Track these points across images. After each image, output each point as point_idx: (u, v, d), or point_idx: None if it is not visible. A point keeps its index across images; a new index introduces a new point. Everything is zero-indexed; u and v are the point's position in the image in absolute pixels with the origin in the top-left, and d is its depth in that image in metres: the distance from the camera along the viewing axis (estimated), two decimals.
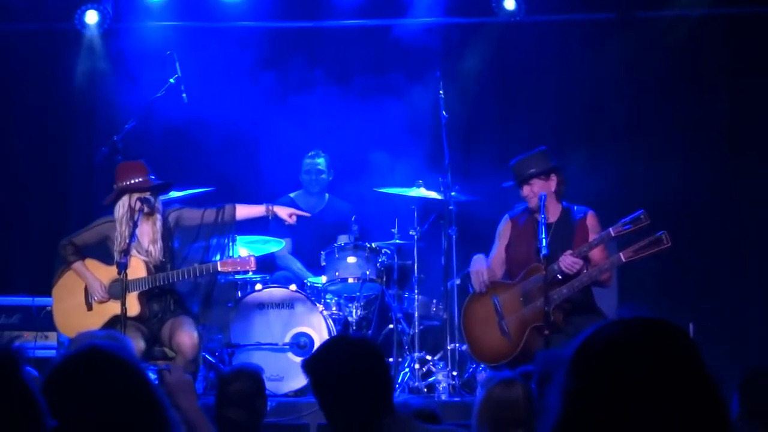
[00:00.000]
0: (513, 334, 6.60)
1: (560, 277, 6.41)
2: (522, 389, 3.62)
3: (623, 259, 6.30)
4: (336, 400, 3.21)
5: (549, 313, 6.20)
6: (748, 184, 8.77)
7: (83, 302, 6.73)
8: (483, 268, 6.79)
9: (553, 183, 6.74)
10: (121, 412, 1.73)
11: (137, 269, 6.56)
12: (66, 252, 6.74)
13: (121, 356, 1.81)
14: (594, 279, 6.45)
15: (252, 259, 6.67)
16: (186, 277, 6.66)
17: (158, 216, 6.71)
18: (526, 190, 6.72)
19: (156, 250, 6.68)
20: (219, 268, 6.64)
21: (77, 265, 6.72)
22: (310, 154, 8.37)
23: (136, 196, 6.56)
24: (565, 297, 6.40)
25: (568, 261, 6.36)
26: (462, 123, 8.78)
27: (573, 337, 1.72)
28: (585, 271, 6.43)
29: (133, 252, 6.59)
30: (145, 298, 6.63)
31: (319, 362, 3.30)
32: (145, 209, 6.52)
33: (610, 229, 6.36)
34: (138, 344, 6.19)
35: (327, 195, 8.46)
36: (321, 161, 8.34)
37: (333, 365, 3.24)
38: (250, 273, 7.22)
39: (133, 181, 6.61)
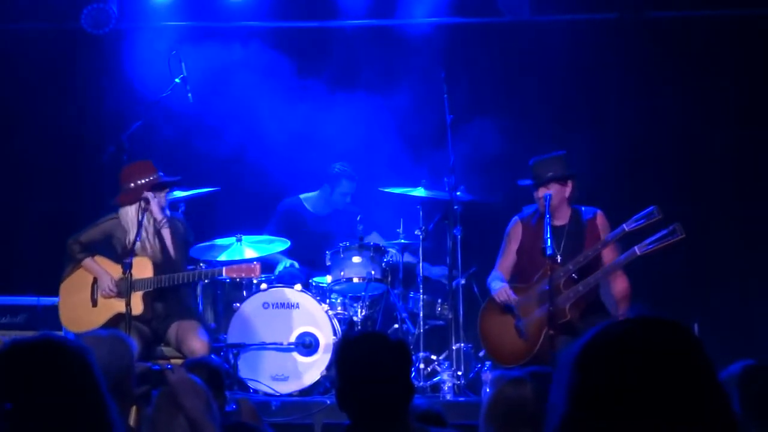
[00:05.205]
0: (530, 335, 6.63)
1: (575, 276, 6.55)
2: (531, 389, 3.61)
3: (638, 253, 6.39)
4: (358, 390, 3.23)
5: (564, 311, 6.42)
6: (754, 180, 8.78)
7: (89, 298, 6.76)
8: (504, 285, 6.80)
9: (568, 189, 6.84)
10: (63, 403, 1.72)
11: (144, 269, 6.58)
12: (73, 250, 6.76)
13: (71, 350, 1.79)
14: (607, 274, 6.58)
15: (257, 266, 6.72)
16: (191, 279, 6.69)
17: (162, 214, 6.71)
18: (542, 192, 6.73)
19: (157, 246, 6.69)
20: (224, 274, 6.69)
21: (87, 261, 6.75)
22: (350, 173, 8.24)
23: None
24: (581, 294, 6.53)
25: None
26: (467, 123, 8.77)
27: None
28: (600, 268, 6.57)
29: (141, 251, 6.61)
30: (149, 298, 6.64)
31: (351, 351, 3.32)
32: (150, 207, 6.55)
33: (624, 225, 6.46)
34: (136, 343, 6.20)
35: None
36: (356, 184, 8.32)
37: (365, 359, 3.26)
38: (254, 280, 7.26)
39: (148, 179, 6.63)
